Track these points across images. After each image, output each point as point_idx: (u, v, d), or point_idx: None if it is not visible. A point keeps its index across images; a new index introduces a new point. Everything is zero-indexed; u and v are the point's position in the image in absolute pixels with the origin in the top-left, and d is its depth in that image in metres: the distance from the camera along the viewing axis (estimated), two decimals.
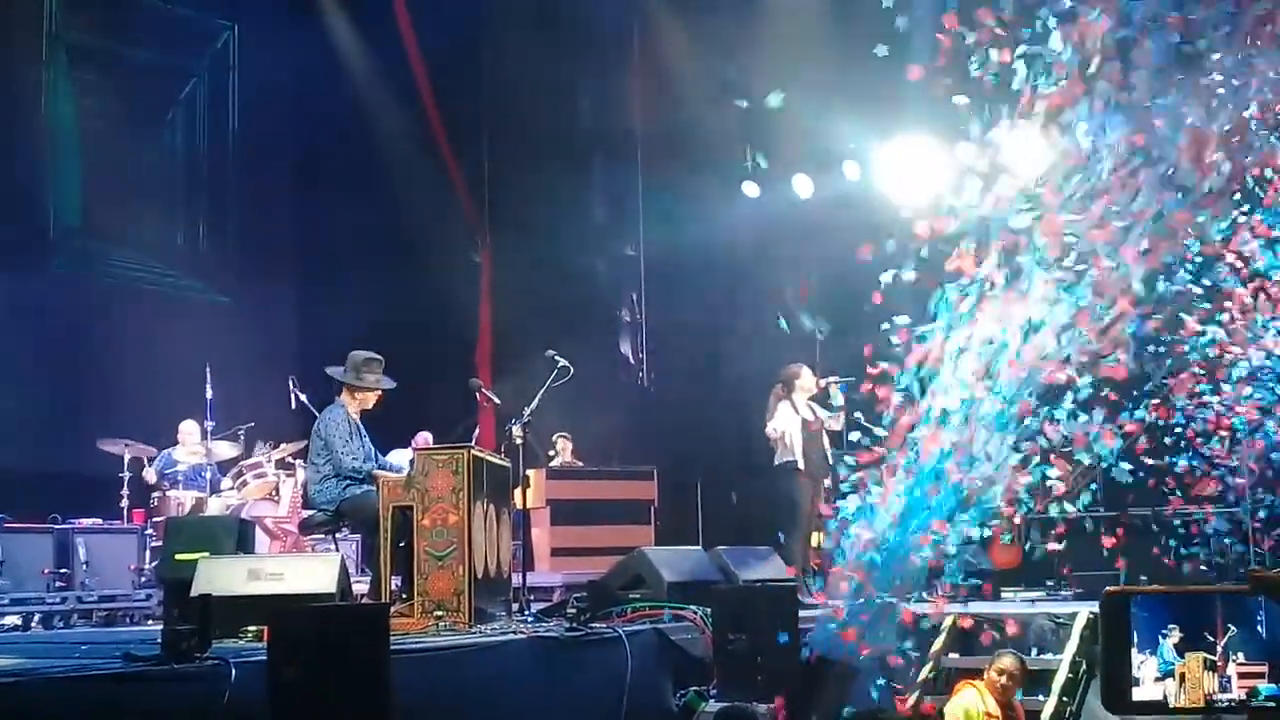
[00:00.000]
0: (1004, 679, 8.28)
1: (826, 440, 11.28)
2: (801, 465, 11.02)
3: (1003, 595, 11.40)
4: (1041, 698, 8.55)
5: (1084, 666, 8.58)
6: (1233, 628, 1.75)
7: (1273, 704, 1.72)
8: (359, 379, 9.04)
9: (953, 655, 9.18)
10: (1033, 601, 10.93)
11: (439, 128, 16.10)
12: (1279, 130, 7.53)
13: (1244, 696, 1.74)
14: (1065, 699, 8.44)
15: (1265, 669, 1.75)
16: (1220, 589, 1.74)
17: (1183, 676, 1.75)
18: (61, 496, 11.60)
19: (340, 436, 8.85)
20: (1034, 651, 9.07)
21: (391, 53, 15.68)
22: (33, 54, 14.05)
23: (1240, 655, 1.76)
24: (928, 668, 8.97)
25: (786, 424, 11.06)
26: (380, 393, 9.15)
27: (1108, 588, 1.78)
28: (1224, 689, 1.74)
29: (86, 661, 6.10)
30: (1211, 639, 1.75)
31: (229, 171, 15.89)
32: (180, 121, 15.62)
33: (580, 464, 14.22)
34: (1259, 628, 1.75)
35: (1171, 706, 1.73)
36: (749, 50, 13.40)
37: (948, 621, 9.30)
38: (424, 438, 11.94)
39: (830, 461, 11.22)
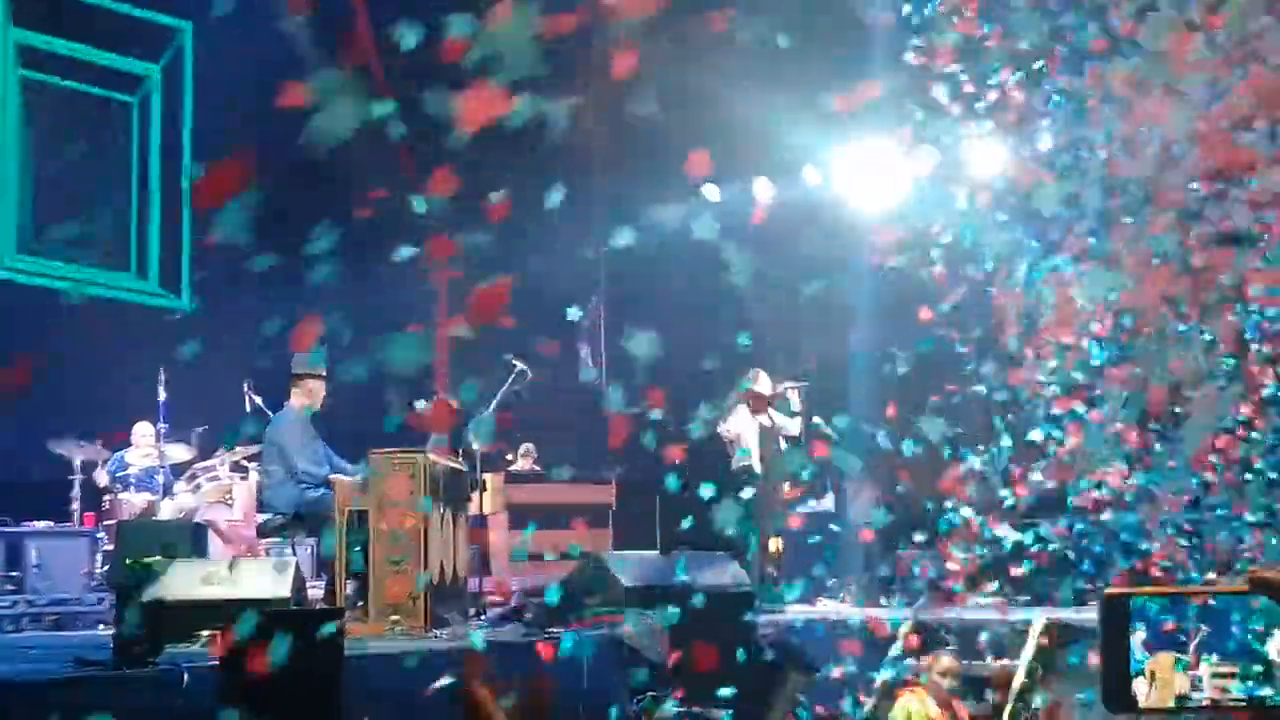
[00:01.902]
0: (946, 679, 8.32)
1: (784, 445, 11.29)
2: (759, 469, 11.02)
3: (959, 601, 11.43)
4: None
5: (1039, 672, 8.62)
6: (1204, 627, 1.74)
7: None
8: (310, 370, 9.07)
9: (909, 661, 9.20)
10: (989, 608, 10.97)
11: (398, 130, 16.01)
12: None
13: (1216, 697, 1.73)
14: (1020, 704, 8.49)
15: (1237, 669, 1.74)
16: (1220, 590, 1.73)
17: (1153, 675, 1.74)
18: (12, 499, 11.45)
19: (294, 440, 8.80)
20: (990, 658, 9.11)
21: (350, 52, 15.57)
22: None
23: (1214, 655, 1.74)
24: (884, 673, 8.99)
25: (743, 428, 11.07)
26: (323, 393, 9.13)
27: (1107, 589, 1.77)
28: (1196, 688, 1.73)
29: (36, 666, 6.03)
30: (1183, 638, 1.74)
31: (184, 173, 15.73)
32: (134, 122, 15.47)
33: (538, 469, 14.16)
34: (1232, 627, 1.73)
35: (1171, 707, 1.72)
36: (711, 52, 13.39)
37: (905, 627, 9.32)
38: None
39: (787, 465, 11.25)
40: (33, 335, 13.36)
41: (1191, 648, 1.74)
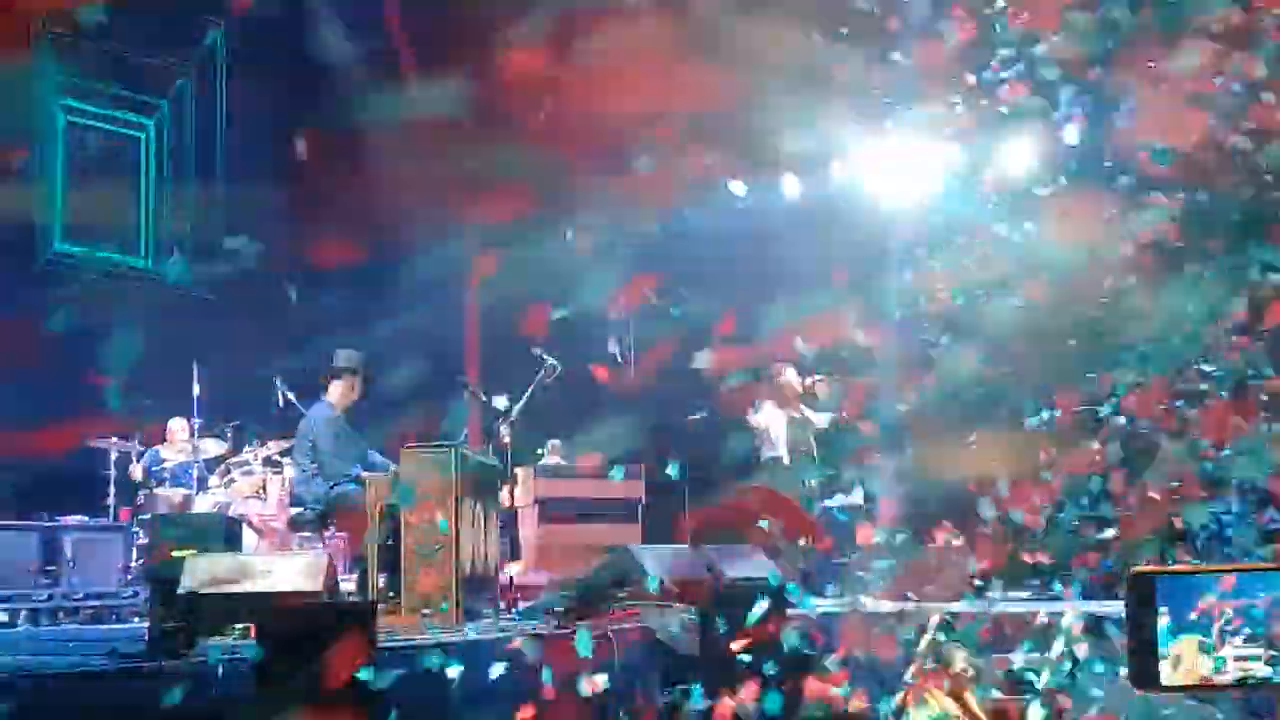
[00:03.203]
0: (966, 674, 8.31)
1: (814, 439, 11.31)
2: (787, 462, 11.05)
3: (988, 594, 11.40)
4: (1028, 697, 8.57)
5: (1071, 665, 8.60)
6: (1229, 610, 1.75)
7: None
8: (347, 369, 9.12)
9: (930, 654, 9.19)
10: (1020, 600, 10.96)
11: (428, 123, 16.07)
12: None
13: (1240, 678, 1.75)
14: (1052, 698, 8.46)
15: (1262, 652, 1.75)
16: (1247, 567, 1.74)
17: (1178, 658, 1.76)
18: (48, 494, 11.56)
19: (326, 437, 8.86)
20: (1021, 650, 9.09)
21: (381, 50, 15.67)
22: (19, 51, 14.02)
23: (1237, 638, 1.76)
24: (914, 666, 8.98)
25: (771, 420, 11.10)
26: (361, 390, 9.19)
27: (1134, 567, 1.79)
28: (1219, 672, 1.75)
29: (72, 659, 6.10)
30: (1207, 621, 1.76)
31: (216, 168, 15.86)
32: (167, 119, 15.60)
33: (565, 463, 14.21)
34: (1255, 610, 1.75)
35: (1199, 683, 1.75)
36: (731, 44, 13.35)
37: (934, 619, 9.31)
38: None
39: (817, 459, 11.26)
40: (68, 328, 13.48)
41: (1215, 631, 1.76)
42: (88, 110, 14.76)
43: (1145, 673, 1.76)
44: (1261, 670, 1.75)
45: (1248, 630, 1.74)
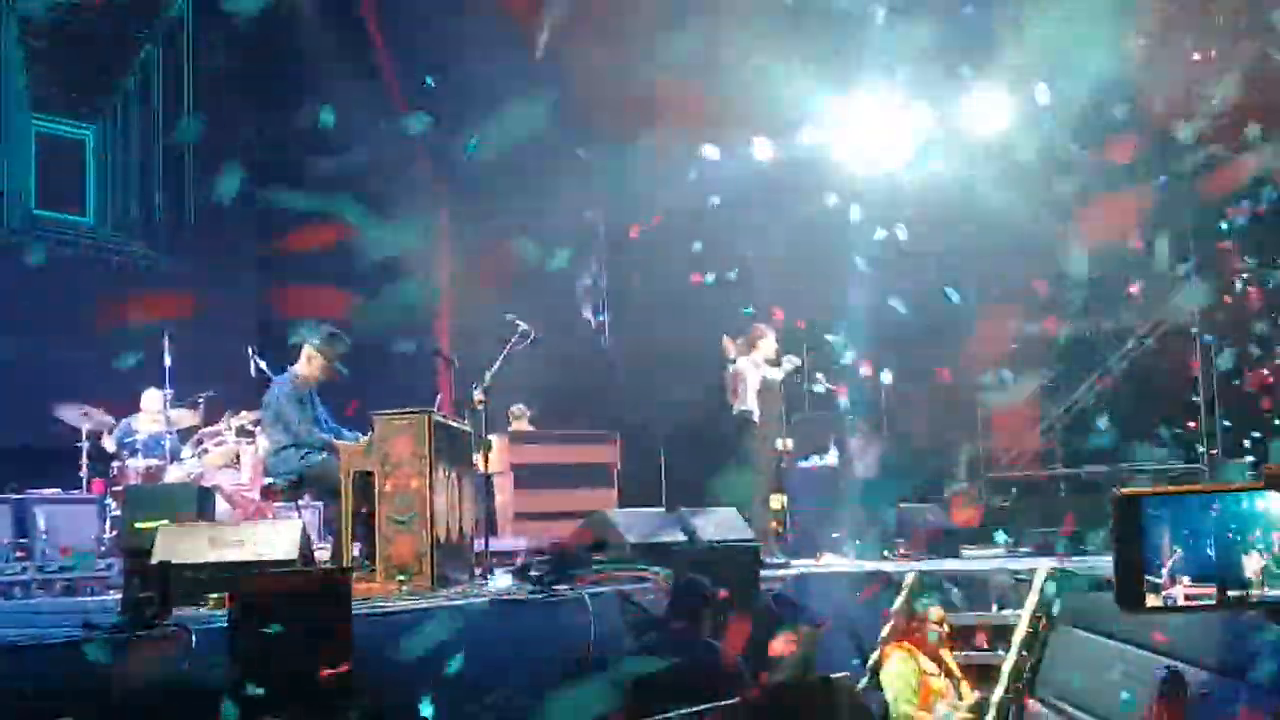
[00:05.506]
0: (942, 627, 8.40)
1: (784, 401, 11.41)
2: (757, 419, 11.12)
3: (963, 553, 11.50)
4: (1001, 653, 8.64)
5: (1043, 621, 8.67)
6: (1179, 549, 1.76)
7: None
8: (328, 345, 9.00)
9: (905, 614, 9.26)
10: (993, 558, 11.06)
11: (398, 90, 16.01)
12: None
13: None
14: (1025, 653, 8.53)
15: (1213, 591, 1.76)
16: (1234, 487, 1.74)
17: None
18: (20, 466, 11.51)
19: (288, 406, 8.80)
20: (995, 607, 9.17)
21: (349, 16, 15.58)
22: None
23: (1185, 578, 1.77)
24: (890, 625, 9.03)
25: (748, 374, 11.18)
26: (327, 370, 9.10)
27: (1120, 489, 1.79)
28: (1170, 609, 1.76)
29: (45, 630, 6.07)
30: (1158, 562, 1.76)
31: (186, 137, 15.77)
32: (135, 88, 15.49)
33: (533, 428, 14.21)
34: (1209, 550, 1.76)
35: (1182, 604, 1.75)
36: (705, 12, 13.33)
37: (909, 579, 9.37)
38: None
39: (786, 421, 11.38)
40: (38, 300, 13.42)
41: (1165, 570, 1.77)
42: (56, 80, 14.66)
43: (1130, 595, 1.77)
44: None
45: (1196, 570, 1.74)
